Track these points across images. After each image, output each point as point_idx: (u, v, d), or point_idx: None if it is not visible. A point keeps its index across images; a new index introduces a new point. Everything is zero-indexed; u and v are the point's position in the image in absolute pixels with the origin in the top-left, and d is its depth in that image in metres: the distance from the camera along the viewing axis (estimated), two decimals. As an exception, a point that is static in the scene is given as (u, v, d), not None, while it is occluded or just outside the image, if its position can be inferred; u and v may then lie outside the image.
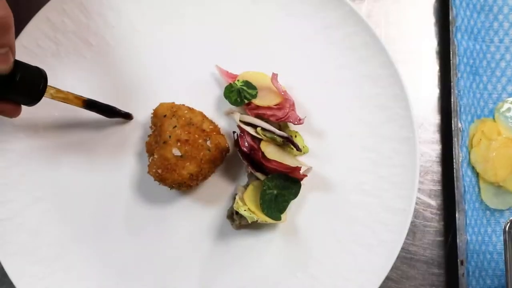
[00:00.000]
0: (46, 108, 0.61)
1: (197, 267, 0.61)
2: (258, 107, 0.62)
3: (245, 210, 0.58)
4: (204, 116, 0.61)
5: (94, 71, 0.64)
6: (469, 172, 0.65)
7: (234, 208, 0.59)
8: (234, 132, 0.62)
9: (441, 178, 0.67)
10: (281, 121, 0.61)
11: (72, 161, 0.63)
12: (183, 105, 0.61)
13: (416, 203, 0.65)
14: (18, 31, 0.61)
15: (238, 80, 0.62)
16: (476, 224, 0.65)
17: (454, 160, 0.65)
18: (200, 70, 0.64)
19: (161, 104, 0.61)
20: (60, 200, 0.62)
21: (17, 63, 0.51)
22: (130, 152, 0.63)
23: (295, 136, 0.63)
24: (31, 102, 0.54)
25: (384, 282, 0.59)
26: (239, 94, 0.62)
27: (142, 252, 0.62)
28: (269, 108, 0.62)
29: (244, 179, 0.63)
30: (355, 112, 0.63)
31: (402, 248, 0.60)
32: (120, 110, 0.62)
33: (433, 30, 0.70)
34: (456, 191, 0.64)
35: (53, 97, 0.57)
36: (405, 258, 0.66)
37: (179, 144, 0.57)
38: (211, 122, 0.61)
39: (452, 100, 0.66)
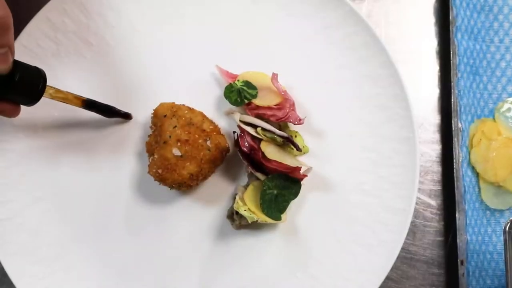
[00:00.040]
0: (45, 108, 0.61)
1: (197, 267, 0.61)
2: (258, 107, 0.62)
3: (245, 210, 0.58)
4: (204, 116, 0.61)
5: (94, 71, 0.64)
6: (469, 172, 0.65)
7: (234, 208, 0.59)
8: (234, 132, 0.62)
9: (441, 178, 0.67)
10: (281, 121, 0.61)
11: (72, 161, 0.63)
12: (183, 105, 0.61)
13: (416, 203, 0.65)
14: (18, 31, 0.61)
15: (238, 80, 0.62)
16: (476, 224, 0.65)
17: (454, 160, 0.65)
18: (200, 70, 0.64)
19: (161, 104, 0.61)
20: (60, 200, 0.62)
21: (16, 63, 0.51)
22: (130, 152, 0.63)
23: (295, 136, 0.63)
24: (30, 102, 0.54)
25: (384, 282, 0.59)
26: (239, 94, 0.62)
27: (142, 252, 0.62)
28: (269, 108, 0.62)
29: (244, 179, 0.63)
30: (355, 112, 0.63)
31: (402, 248, 0.60)
32: (119, 110, 0.62)
33: (433, 30, 0.70)
34: (456, 191, 0.64)
35: (52, 97, 0.57)
36: (405, 258, 0.66)
37: (179, 144, 0.57)
38: (211, 122, 0.61)
39: (452, 100, 0.66)
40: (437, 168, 0.68)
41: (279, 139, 0.60)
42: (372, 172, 0.62)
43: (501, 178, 0.65)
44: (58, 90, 0.57)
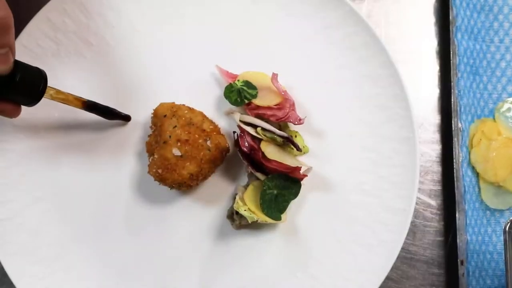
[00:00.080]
0: (46, 109, 0.61)
1: (197, 267, 0.61)
2: (258, 107, 0.62)
3: (245, 210, 0.58)
4: (204, 116, 0.61)
5: (94, 71, 0.64)
6: (469, 172, 0.65)
7: (234, 208, 0.59)
8: (234, 132, 0.62)
9: (441, 178, 0.67)
10: (281, 121, 0.61)
11: (72, 161, 0.63)
12: (183, 105, 0.61)
13: (416, 203, 0.65)
14: (18, 31, 0.61)
15: (238, 80, 0.62)
16: (476, 224, 0.65)
17: (454, 160, 0.65)
18: (200, 70, 0.64)
19: (161, 104, 0.61)
20: (60, 200, 0.62)
21: (17, 64, 0.51)
22: (130, 152, 0.63)
23: (295, 136, 0.63)
24: (31, 102, 0.54)
25: (384, 282, 0.59)
26: (239, 94, 0.62)
27: (142, 252, 0.62)
28: (269, 108, 0.62)
29: (244, 179, 0.63)
30: (355, 112, 0.63)
31: (402, 248, 0.60)
32: (119, 112, 0.62)
33: (433, 30, 0.70)
34: (456, 191, 0.64)
35: (53, 98, 0.57)
36: (405, 258, 0.66)
37: (179, 144, 0.57)
38: (211, 122, 0.61)
39: (452, 100, 0.66)
40: (437, 168, 0.68)
41: (279, 139, 0.60)
42: (372, 172, 0.62)
43: (501, 178, 0.65)
44: (58, 91, 0.57)
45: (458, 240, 0.63)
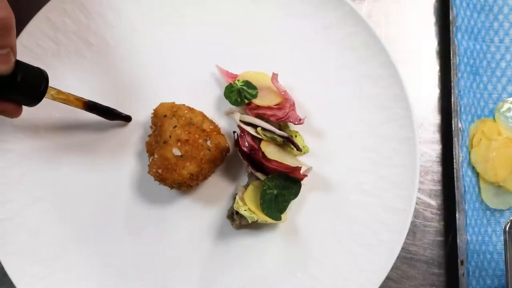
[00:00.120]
0: (46, 109, 0.61)
1: (197, 267, 0.61)
2: (258, 107, 0.62)
3: (245, 210, 0.58)
4: (204, 116, 0.61)
5: (94, 71, 0.64)
6: (469, 172, 0.65)
7: (234, 208, 0.59)
8: (234, 132, 0.62)
9: (441, 178, 0.67)
10: (281, 121, 0.61)
11: (72, 161, 0.63)
12: (183, 105, 0.61)
13: (416, 203, 0.65)
14: (18, 31, 0.61)
15: (238, 80, 0.62)
16: (476, 224, 0.65)
17: (454, 160, 0.65)
18: (200, 70, 0.64)
19: (161, 104, 0.61)
20: (60, 200, 0.62)
21: (18, 64, 0.51)
22: (130, 152, 0.63)
23: (295, 136, 0.63)
24: (32, 102, 0.54)
25: (384, 282, 0.59)
26: (239, 94, 0.62)
27: (142, 252, 0.62)
28: (269, 108, 0.62)
29: (244, 179, 0.63)
30: (355, 112, 0.63)
31: (402, 248, 0.60)
32: (120, 113, 0.62)
33: (433, 30, 0.70)
34: (456, 191, 0.64)
35: (54, 98, 0.57)
36: (405, 258, 0.66)
37: (179, 144, 0.57)
38: (211, 122, 0.61)
39: (452, 100, 0.66)
40: (437, 168, 0.68)
41: (279, 139, 0.60)
42: (372, 172, 0.62)
43: (501, 178, 0.65)
44: (59, 91, 0.57)
45: (458, 240, 0.63)
